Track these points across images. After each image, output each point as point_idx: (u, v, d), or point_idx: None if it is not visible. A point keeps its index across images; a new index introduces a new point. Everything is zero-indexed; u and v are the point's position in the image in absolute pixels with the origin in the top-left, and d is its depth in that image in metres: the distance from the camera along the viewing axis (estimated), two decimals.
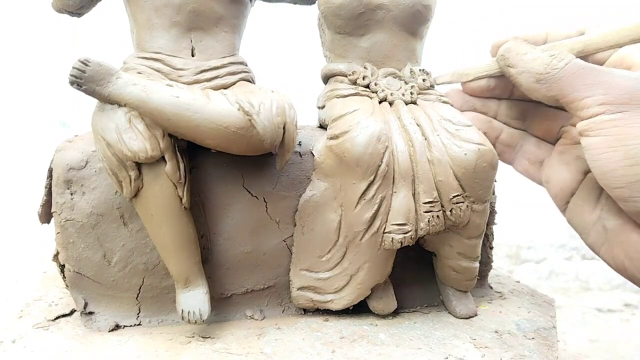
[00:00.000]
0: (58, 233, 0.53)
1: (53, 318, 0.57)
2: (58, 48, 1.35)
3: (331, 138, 0.53)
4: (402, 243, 0.51)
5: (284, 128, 0.49)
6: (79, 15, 0.63)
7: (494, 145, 0.54)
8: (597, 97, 0.37)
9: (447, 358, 0.49)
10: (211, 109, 0.47)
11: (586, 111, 0.38)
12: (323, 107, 0.60)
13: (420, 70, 0.61)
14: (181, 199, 0.50)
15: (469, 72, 0.56)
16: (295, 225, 0.56)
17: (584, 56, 0.45)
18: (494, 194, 0.60)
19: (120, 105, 0.48)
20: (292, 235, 0.56)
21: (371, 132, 0.50)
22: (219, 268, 0.56)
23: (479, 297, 0.63)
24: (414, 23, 0.60)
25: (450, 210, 0.52)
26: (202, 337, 0.52)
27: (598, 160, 0.37)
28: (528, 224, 1.25)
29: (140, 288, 0.55)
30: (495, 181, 0.56)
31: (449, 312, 0.59)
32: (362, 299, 0.56)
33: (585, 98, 0.37)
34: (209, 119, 0.47)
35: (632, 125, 0.35)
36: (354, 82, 0.60)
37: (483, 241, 0.61)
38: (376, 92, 0.58)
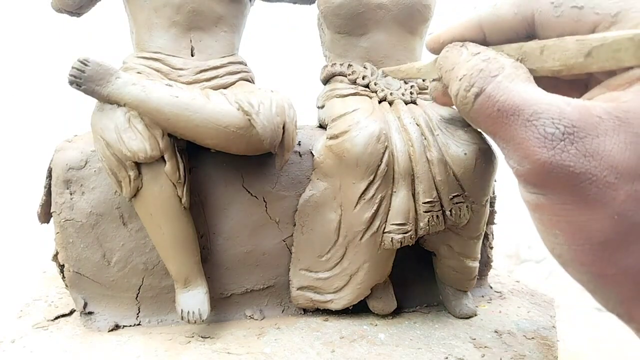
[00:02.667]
0: (58, 233, 0.53)
1: (53, 318, 0.57)
2: (57, 48, 1.35)
3: (331, 138, 0.53)
4: (401, 243, 0.51)
5: (283, 128, 0.49)
6: (79, 15, 0.63)
7: None
8: (513, 164, 0.26)
9: (447, 358, 0.49)
10: (211, 108, 0.47)
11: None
12: (323, 106, 0.60)
13: None
14: (181, 199, 0.50)
15: (403, 69, 0.45)
16: (294, 225, 0.56)
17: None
18: (493, 193, 0.60)
19: (119, 105, 0.48)
20: (291, 235, 0.56)
21: (371, 132, 0.50)
22: (219, 268, 0.56)
23: (478, 297, 0.63)
24: (413, 22, 0.60)
25: (450, 210, 0.52)
26: (202, 337, 0.52)
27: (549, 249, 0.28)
28: (528, 224, 1.25)
29: (139, 288, 0.55)
30: (495, 181, 0.56)
31: (448, 312, 0.59)
32: (362, 298, 0.56)
33: (505, 158, 0.28)
34: (209, 119, 0.47)
35: (558, 217, 0.25)
36: (354, 82, 0.60)
37: (483, 241, 0.61)
38: (376, 92, 0.58)
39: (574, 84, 0.33)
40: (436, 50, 0.37)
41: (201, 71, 0.56)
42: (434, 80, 0.41)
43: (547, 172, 0.24)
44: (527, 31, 0.32)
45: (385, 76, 0.59)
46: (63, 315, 0.58)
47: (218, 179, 0.54)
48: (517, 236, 1.24)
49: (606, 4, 0.27)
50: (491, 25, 0.33)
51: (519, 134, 0.25)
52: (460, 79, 0.29)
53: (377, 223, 0.51)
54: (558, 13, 0.29)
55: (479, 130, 0.31)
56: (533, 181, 0.25)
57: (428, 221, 0.51)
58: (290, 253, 0.57)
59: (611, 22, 0.27)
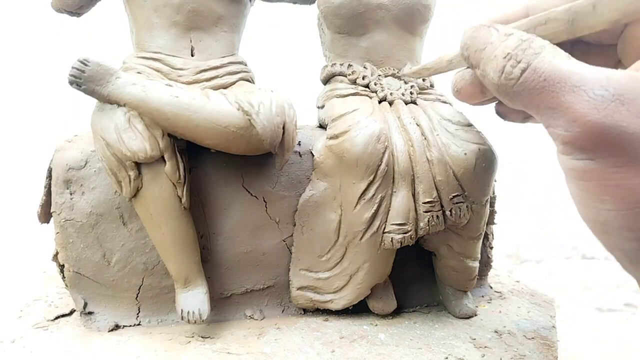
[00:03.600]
0: (57, 233, 0.53)
1: (53, 318, 0.57)
2: (57, 48, 1.35)
3: (331, 138, 0.53)
4: (401, 243, 0.51)
5: (283, 128, 0.49)
6: (79, 15, 0.63)
7: None
8: (559, 132, 0.26)
9: (447, 358, 0.49)
10: (210, 108, 0.47)
11: (557, 146, 0.27)
12: (323, 106, 0.60)
13: None
14: (180, 199, 0.50)
15: (430, 65, 0.43)
16: (294, 225, 0.56)
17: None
18: (493, 193, 0.60)
19: (119, 105, 0.48)
20: (291, 235, 0.56)
21: (371, 132, 0.50)
22: (219, 268, 0.56)
23: (478, 297, 0.63)
24: (413, 22, 0.60)
25: (450, 210, 0.52)
26: (202, 337, 0.52)
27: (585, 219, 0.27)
28: (528, 224, 1.25)
29: (139, 288, 0.55)
30: (495, 181, 0.56)
31: (448, 312, 0.59)
32: (362, 298, 0.56)
33: (550, 128, 0.27)
34: (209, 119, 0.47)
35: (608, 181, 0.25)
36: (354, 82, 0.60)
37: (483, 241, 0.61)
38: (376, 92, 0.58)
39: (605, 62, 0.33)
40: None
41: (201, 71, 0.56)
42: (460, 71, 0.40)
43: (598, 134, 0.24)
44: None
45: (385, 76, 0.59)
46: (63, 315, 0.58)
47: (218, 179, 0.54)
48: (517, 236, 1.24)
49: None
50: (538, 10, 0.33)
51: (567, 99, 0.25)
52: (504, 57, 0.29)
53: (377, 223, 0.51)
54: None
55: (518, 107, 0.30)
56: (583, 145, 0.25)
57: (428, 221, 0.51)
58: (290, 253, 0.57)
59: None
